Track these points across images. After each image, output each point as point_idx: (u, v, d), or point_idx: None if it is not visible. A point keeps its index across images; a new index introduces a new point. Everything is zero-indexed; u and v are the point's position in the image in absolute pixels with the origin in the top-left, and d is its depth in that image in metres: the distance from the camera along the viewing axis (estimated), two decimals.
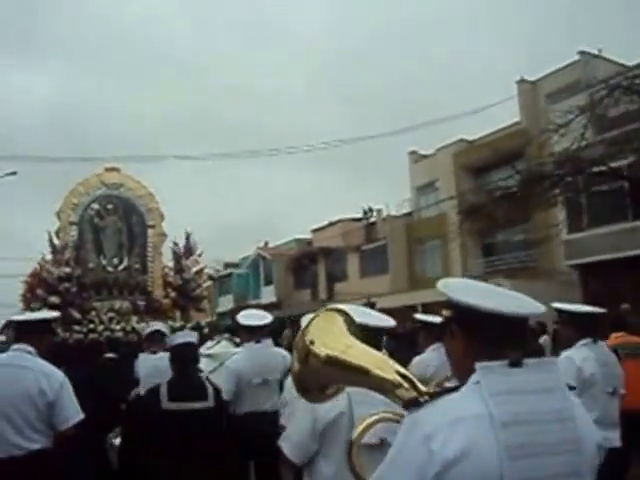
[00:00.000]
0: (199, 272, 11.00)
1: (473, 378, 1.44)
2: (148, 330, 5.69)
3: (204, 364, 5.10)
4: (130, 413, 4.69)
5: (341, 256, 33.33)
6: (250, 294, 39.97)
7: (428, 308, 20.59)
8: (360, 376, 1.71)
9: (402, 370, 1.72)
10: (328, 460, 2.45)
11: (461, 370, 1.54)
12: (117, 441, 5.35)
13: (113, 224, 10.79)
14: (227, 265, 42.64)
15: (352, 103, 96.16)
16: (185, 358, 3.89)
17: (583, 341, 3.80)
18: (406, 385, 1.66)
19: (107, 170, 10.94)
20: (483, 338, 1.49)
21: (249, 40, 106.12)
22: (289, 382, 3.69)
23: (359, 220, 34.17)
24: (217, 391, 3.97)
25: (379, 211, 33.21)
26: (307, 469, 2.55)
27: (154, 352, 5.07)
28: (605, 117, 9.94)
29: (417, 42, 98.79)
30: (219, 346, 5.83)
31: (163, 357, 4.81)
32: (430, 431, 1.36)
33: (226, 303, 40.16)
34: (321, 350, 1.73)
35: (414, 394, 1.62)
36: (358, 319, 2.10)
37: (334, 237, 33.39)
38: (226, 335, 6.55)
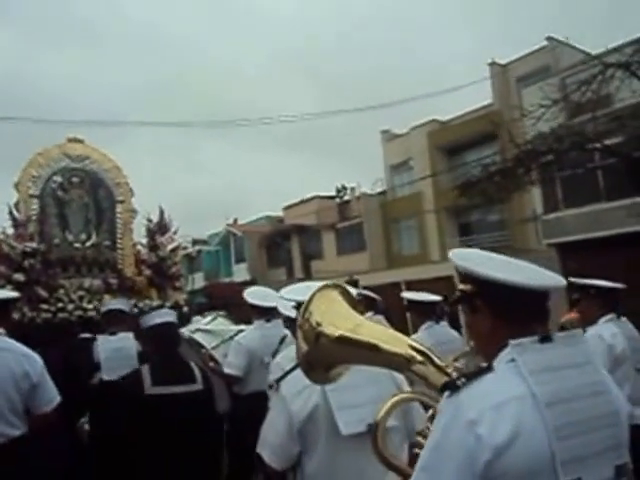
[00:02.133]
0: (175, 250, 10.52)
1: (505, 356, 1.38)
2: (105, 308, 5.27)
3: (204, 340, 4.99)
4: (101, 399, 4.45)
5: (315, 234, 33.35)
6: (222, 272, 39.68)
7: (411, 285, 20.88)
8: (372, 353, 1.66)
9: (416, 345, 1.67)
10: (310, 455, 2.27)
11: (486, 346, 1.50)
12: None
13: (79, 198, 10.22)
14: (195, 242, 42.01)
15: (326, 85, 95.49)
16: (166, 338, 3.58)
17: (607, 317, 3.69)
18: (421, 359, 1.63)
19: (70, 141, 10.30)
20: (510, 313, 1.43)
21: (217, 17, 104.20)
22: (275, 364, 3.61)
23: (332, 198, 34.11)
24: (205, 373, 3.72)
25: (352, 189, 33.12)
26: (290, 470, 2.34)
27: (113, 333, 4.75)
28: (601, 95, 9.85)
29: (391, 25, 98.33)
30: (216, 322, 5.54)
31: (125, 338, 4.73)
32: (475, 416, 1.29)
33: (197, 281, 39.69)
34: (331, 330, 1.68)
35: (432, 369, 1.62)
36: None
37: (306, 215, 33.32)
38: (221, 312, 6.22)
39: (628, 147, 9.99)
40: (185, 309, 10.20)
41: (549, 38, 22.45)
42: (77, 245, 9.93)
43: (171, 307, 9.77)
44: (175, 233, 10.73)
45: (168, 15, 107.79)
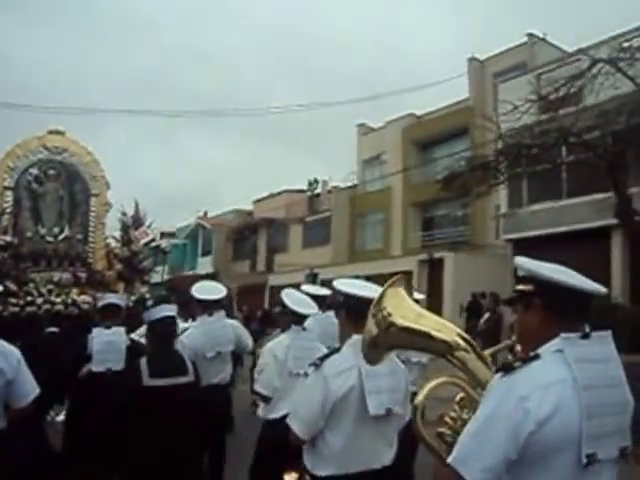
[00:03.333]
0: (148, 244, 10.53)
1: (552, 347, 1.65)
2: (102, 303, 5.44)
3: None
4: (87, 389, 4.63)
5: (283, 227, 33.25)
6: (186, 265, 39.37)
7: (371, 280, 20.87)
8: (426, 340, 1.97)
9: (464, 334, 1.96)
10: (336, 432, 2.56)
11: (532, 338, 1.74)
12: (60, 418, 5.40)
13: (54, 191, 10.15)
14: (163, 235, 41.55)
15: (303, 79, 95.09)
16: (166, 333, 3.81)
17: None
18: (466, 347, 1.91)
19: (50, 133, 10.22)
20: (561, 311, 1.70)
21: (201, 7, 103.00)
22: (267, 350, 3.93)
23: (302, 192, 34.07)
24: (195, 365, 3.93)
25: (324, 183, 33.20)
26: (310, 441, 2.62)
27: (108, 327, 4.91)
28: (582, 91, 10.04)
29: (371, 21, 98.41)
30: None
31: (117, 332, 4.89)
32: (525, 393, 1.55)
33: (161, 273, 39.25)
34: (400, 321, 2.01)
35: (473, 356, 1.90)
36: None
37: (276, 208, 33.22)
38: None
39: (610, 142, 10.26)
40: (150, 302, 10.29)
41: (529, 34, 22.75)
42: (49, 239, 9.92)
43: (136, 300, 9.89)
44: (149, 227, 10.77)
45: (155, 4, 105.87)
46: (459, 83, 36.25)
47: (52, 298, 9.34)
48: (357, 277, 22.07)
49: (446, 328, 1.98)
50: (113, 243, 10.59)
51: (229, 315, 5.84)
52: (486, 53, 24.96)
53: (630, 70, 9.58)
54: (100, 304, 5.39)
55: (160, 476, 3.47)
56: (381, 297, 2.09)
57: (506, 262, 17.67)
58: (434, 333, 1.94)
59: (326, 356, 2.66)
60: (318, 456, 2.59)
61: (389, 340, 2.06)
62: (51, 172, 9.97)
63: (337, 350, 2.67)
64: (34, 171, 9.89)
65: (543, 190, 17.18)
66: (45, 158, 10.00)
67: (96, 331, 4.92)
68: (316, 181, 33.39)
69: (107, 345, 4.75)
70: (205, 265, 37.40)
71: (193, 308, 5.49)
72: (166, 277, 36.00)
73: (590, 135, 10.50)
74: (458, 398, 2.02)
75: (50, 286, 9.58)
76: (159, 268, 40.41)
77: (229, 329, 5.19)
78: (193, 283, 5.35)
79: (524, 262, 1.80)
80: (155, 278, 37.56)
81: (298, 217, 32.25)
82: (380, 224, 28.82)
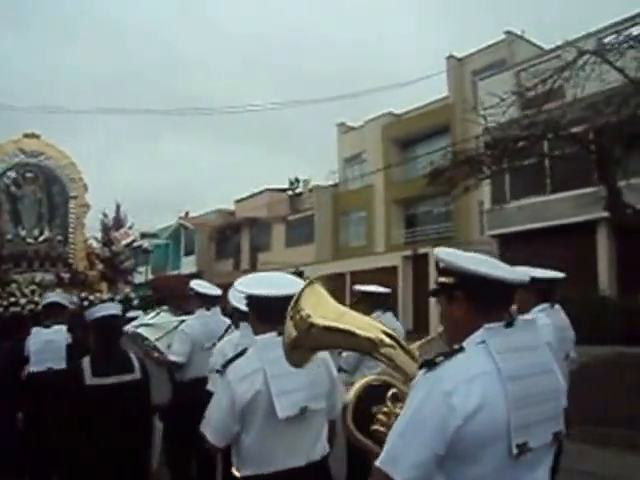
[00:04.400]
0: (129, 245, 10.73)
1: (476, 338, 1.61)
2: (45, 302, 5.44)
3: (147, 334, 5.18)
4: (30, 390, 4.63)
5: (266, 226, 33.16)
6: (169, 265, 39.20)
7: (355, 276, 21.37)
8: (350, 338, 1.89)
9: (387, 330, 1.90)
10: (250, 434, 2.51)
11: (458, 331, 1.69)
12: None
13: (32, 193, 10.27)
14: (144, 235, 41.52)
15: (284, 79, 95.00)
16: (109, 331, 3.75)
17: (540, 307, 3.77)
18: (392, 343, 1.86)
19: (26, 136, 10.34)
20: (484, 303, 1.66)
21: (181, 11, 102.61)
22: (217, 349, 3.89)
23: (284, 191, 34.05)
24: (142, 363, 3.90)
25: (305, 182, 33.36)
26: (232, 444, 2.60)
27: (47, 326, 4.91)
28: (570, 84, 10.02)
29: (350, 19, 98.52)
30: (160, 316, 5.72)
31: (58, 330, 4.87)
32: (450, 388, 1.51)
33: (144, 274, 39.26)
34: (321, 321, 1.91)
35: (400, 352, 1.85)
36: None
37: (258, 208, 33.10)
38: (165, 307, 6.34)
39: (598, 135, 10.16)
40: (135, 302, 10.46)
41: (507, 32, 22.88)
42: (30, 240, 10.17)
43: (121, 300, 10.03)
44: (130, 228, 10.95)
45: (132, 7, 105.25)
46: (437, 81, 36.61)
47: (36, 298, 9.50)
48: (341, 274, 22.41)
49: (370, 326, 1.93)
50: (94, 244, 10.75)
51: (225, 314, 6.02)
52: (464, 51, 25.17)
53: (618, 61, 9.47)
54: (43, 303, 5.41)
55: (104, 475, 3.44)
56: (298, 298, 2.00)
57: (492, 258, 18.20)
58: (358, 331, 1.88)
59: (230, 361, 2.58)
60: (238, 458, 2.57)
61: (311, 341, 1.98)
62: (29, 175, 10.10)
63: (243, 353, 2.59)
64: (12, 174, 10.01)
65: (526, 185, 17.23)
66: (22, 161, 10.09)
67: (34, 331, 4.90)
68: (297, 180, 33.53)
69: (45, 344, 4.73)
70: (189, 265, 37.20)
71: (189, 304, 5.46)
72: (150, 277, 36.13)
73: (579, 128, 10.40)
74: (390, 394, 1.99)
75: (33, 287, 9.73)
76: (142, 269, 40.57)
77: (225, 324, 5.18)
78: (177, 282, 5.45)
79: (443, 253, 1.75)
80: (139, 278, 37.76)
81: (280, 216, 32.18)
82: (363, 222, 28.92)
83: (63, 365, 4.59)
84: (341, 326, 1.91)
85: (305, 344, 2.00)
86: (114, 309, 3.88)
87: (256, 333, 2.66)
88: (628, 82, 9.51)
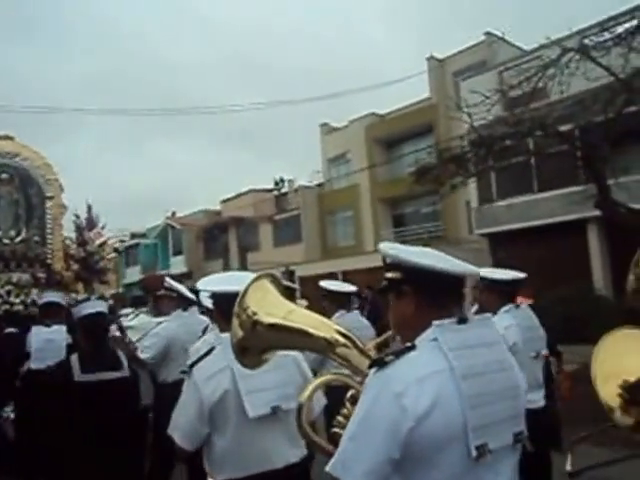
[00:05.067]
0: (103, 244, 10.78)
1: (428, 335, 1.53)
2: (42, 301, 5.45)
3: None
4: (28, 387, 4.63)
5: (253, 226, 33.00)
6: (159, 264, 38.98)
7: (347, 276, 21.47)
8: (302, 338, 1.82)
9: (342, 330, 1.82)
10: (222, 436, 2.42)
11: (408, 328, 1.62)
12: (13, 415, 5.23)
13: (8, 195, 10.24)
14: (133, 235, 41.50)
15: (268, 81, 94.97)
16: (96, 328, 3.75)
17: (505, 307, 3.73)
18: (346, 342, 1.79)
19: (0, 138, 10.40)
20: (433, 297, 1.59)
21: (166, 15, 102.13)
22: (192, 352, 3.67)
23: (269, 191, 34.03)
24: (130, 360, 3.92)
25: (290, 182, 33.38)
26: (204, 447, 2.52)
27: (48, 325, 4.92)
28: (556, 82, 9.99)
29: (332, 21, 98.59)
30: (138, 319, 5.81)
31: (58, 330, 4.89)
32: (401, 389, 1.43)
33: (133, 274, 39.25)
34: (267, 319, 1.84)
35: (355, 352, 1.78)
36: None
37: (244, 207, 32.99)
38: (144, 309, 6.54)
39: (585, 133, 10.10)
40: (110, 302, 10.47)
41: (487, 33, 22.88)
42: (6, 241, 10.11)
43: (81, 301, 10.00)
44: (103, 228, 11.00)
45: (118, 10, 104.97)
46: (419, 82, 36.70)
47: (11, 299, 9.52)
48: (333, 273, 22.44)
49: (323, 324, 1.85)
50: (70, 244, 10.78)
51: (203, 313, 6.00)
52: (445, 52, 25.25)
53: (602, 59, 9.39)
54: (40, 302, 5.44)
55: (94, 471, 3.39)
56: (243, 294, 1.90)
57: (483, 256, 17.86)
58: (310, 330, 1.80)
59: (196, 361, 2.50)
60: (211, 462, 2.47)
61: (258, 341, 1.89)
62: (4, 176, 10.05)
63: (209, 352, 2.51)
64: None
65: (513, 184, 17.09)
66: None
67: (35, 329, 4.92)
68: (282, 180, 33.58)
69: (46, 343, 4.75)
70: (178, 265, 37.09)
71: (165, 304, 5.40)
72: (139, 277, 36.10)
73: (566, 125, 10.33)
74: (348, 395, 1.88)
75: (9, 287, 9.74)
76: (130, 270, 40.56)
77: (204, 324, 5.12)
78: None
79: (389, 248, 1.67)
80: (129, 278, 37.71)
81: (267, 216, 32.07)
82: (350, 221, 28.91)
83: None
84: (291, 324, 1.81)
85: (253, 345, 1.89)
86: (100, 306, 3.88)
87: (222, 331, 2.56)
88: (614, 80, 9.39)
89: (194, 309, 5.10)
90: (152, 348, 4.72)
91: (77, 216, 10.73)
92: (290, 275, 24.43)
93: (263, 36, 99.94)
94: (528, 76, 10.18)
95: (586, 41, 10.65)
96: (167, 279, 5.28)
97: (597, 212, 13.84)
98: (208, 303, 3.67)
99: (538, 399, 3.76)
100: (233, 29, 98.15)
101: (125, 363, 3.77)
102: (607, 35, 10.20)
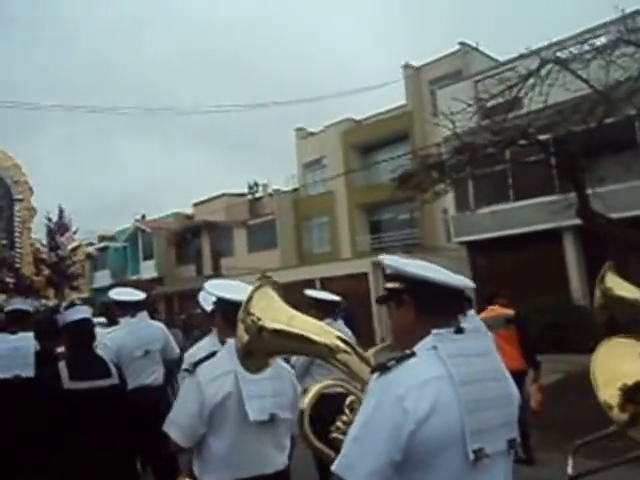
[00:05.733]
0: (75, 249, 10.52)
1: (427, 343, 1.61)
2: (9, 308, 5.30)
3: None
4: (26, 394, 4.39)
5: (226, 230, 32.51)
6: (129, 269, 38.20)
7: (325, 283, 21.27)
8: (304, 343, 1.88)
9: (342, 336, 1.90)
10: (219, 438, 2.47)
11: (406, 337, 1.70)
12: None
13: None
14: (102, 238, 40.63)
15: (245, 83, 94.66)
16: (83, 335, 3.70)
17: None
18: (347, 349, 1.86)
19: None
20: (432, 308, 1.66)
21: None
22: (188, 356, 3.77)
23: (242, 195, 33.64)
24: (119, 368, 3.86)
25: (264, 186, 33.05)
26: (196, 448, 2.54)
27: (13, 332, 4.76)
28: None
29: (311, 25, 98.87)
30: None
31: (24, 337, 4.74)
32: (403, 392, 1.50)
33: (102, 278, 38.41)
34: (271, 324, 1.89)
35: (355, 358, 1.85)
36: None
37: (217, 211, 32.56)
38: (100, 319, 6.47)
39: (565, 142, 10.14)
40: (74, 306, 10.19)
41: (462, 43, 23.19)
42: None
43: (66, 307, 9.79)
44: (75, 233, 10.78)
45: (89, 5, 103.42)
46: (394, 89, 36.91)
47: None
48: (310, 280, 22.31)
49: (324, 331, 1.92)
50: (40, 248, 10.52)
51: (153, 318, 5.81)
52: (421, 60, 25.43)
53: (581, 71, 9.54)
54: (7, 309, 5.27)
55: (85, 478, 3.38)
56: (248, 301, 1.97)
57: (462, 264, 17.97)
58: (313, 336, 1.86)
59: (200, 361, 2.56)
60: (204, 463, 2.50)
61: (263, 346, 1.95)
62: None
63: (213, 354, 2.59)
64: None
65: (490, 193, 17.22)
66: None
67: (0, 337, 4.73)
68: (256, 184, 33.19)
69: (13, 351, 4.59)
70: (149, 269, 36.27)
71: (114, 312, 5.45)
72: (108, 282, 35.27)
73: (546, 135, 10.43)
74: (348, 401, 1.98)
75: None
76: (99, 274, 39.71)
77: (155, 328, 5.24)
78: (137, 288, 5.41)
79: (390, 260, 1.76)
80: (98, 283, 36.89)
81: (240, 220, 31.66)
82: (326, 227, 28.74)
83: (31, 373, 4.43)
84: (294, 330, 1.89)
85: (258, 349, 1.96)
86: (86, 312, 3.83)
87: (222, 337, 2.65)
88: (593, 91, 9.54)
89: (143, 314, 5.10)
90: None
91: (49, 219, 10.48)
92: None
93: (240, 38, 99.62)
94: (510, 85, 10.24)
95: (563, 53, 10.80)
96: (110, 293, 5.23)
97: (573, 221, 14.09)
98: (206, 306, 3.69)
99: None
100: (209, 28, 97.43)
101: (114, 370, 3.72)
102: (586, 47, 10.34)
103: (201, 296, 3.93)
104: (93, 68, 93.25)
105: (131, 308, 5.03)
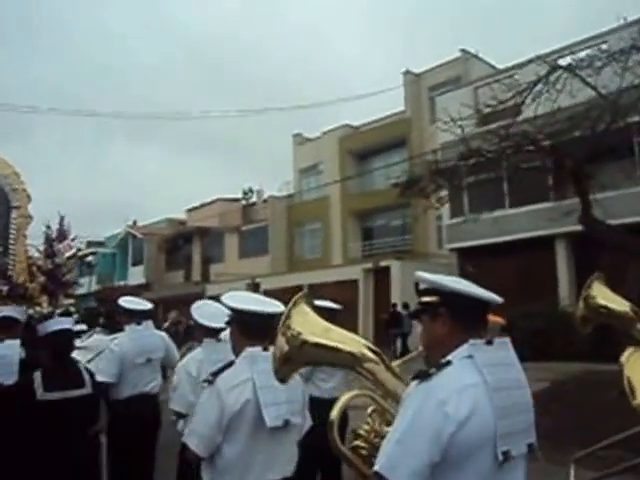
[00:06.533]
0: (72, 257, 10.30)
1: (461, 353, 1.72)
2: None
3: (79, 357, 4.89)
4: None
5: (218, 236, 32.30)
6: (116, 275, 37.77)
7: (314, 289, 21.08)
8: (336, 354, 1.98)
9: (372, 346, 1.99)
10: (233, 445, 2.51)
11: (440, 347, 1.79)
12: None
13: None
14: (90, 244, 40.28)
15: (241, 90, 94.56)
16: (62, 346, 3.74)
17: None
18: (374, 358, 1.95)
19: None
20: (466, 320, 1.78)
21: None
22: (180, 366, 3.89)
23: (236, 201, 33.53)
24: (93, 377, 3.88)
25: (259, 192, 32.97)
26: (208, 457, 2.57)
27: (1, 340, 4.71)
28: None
29: (311, 31, 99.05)
30: (93, 338, 5.77)
31: (10, 345, 4.69)
32: (444, 397, 1.61)
33: (88, 284, 38.02)
34: (312, 338, 2.00)
35: (382, 367, 1.94)
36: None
37: (210, 217, 32.30)
38: (98, 329, 6.52)
39: (570, 148, 10.13)
40: (76, 316, 10.02)
41: (462, 50, 23.22)
42: None
43: (61, 314, 9.61)
44: (74, 240, 10.61)
45: (81, 11, 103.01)
46: (391, 96, 36.96)
47: None
48: (299, 286, 22.10)
49: (353, 341, 2.02)
50: (36, 254, 10.32)
51: (158, 328, 5.88)
52: (420, 67, 25.47)
53: (592, 78, 9.60)
54: None
55: None
56: (288, 316, 2.09)
57: (452, 271, 17.89)
58: (341, 346, 1.97)
59: (219, 371, 2.61)
60: (215, 469, 2.54)
61: (303, 356, 2.07)
62: None
63: (230, 364, 2.63)
64: None
65: (486, 200, 17.07)
66: None
67: None
68: (250, 190, 33.18)
69: None
70: (136, 275, 35.86)
71: (120, 319, 5.45)
72: (95, 288, 34.96)
73: (554, 140, 10.35)
74: (370, 410, 2.09)
75: None
76: (85, 279, 39.32)
77: (158, 337, 5.26)
78: (123, 294, 5.47)
79: (427, 276, 1.87)
80: (83, 289, 36.57)
81: (233, 226, 31.42)
82: (318, 233, 28.55)
83: (14, 380, 4.34)
84: (330, 343, 1.99)
85: (296, 359, 2.06)
86: (67, 323, 3.88)
87: (237, 348, 2.69)
88: (598, 97, 9.59)
89: (149, 323, 5.15)
90: (109, 370, 4.71)
91: (48, 227, 10.26)
92: (255, 288, 23.98)
93: (235, 44, 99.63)
94: (518, 90, 10.19)
95: (569, 59, 10.76)
96: (120, 301, 5.22)
97: (566, 228, 14.49)
98: (203, 319, 3.93)
99: None
100: (203, 34, 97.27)
101: (87, 379, 3.76)
102: (597, 53, 10.31)
103: (196, 310, 4.02)
104: (89, 74, 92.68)
105: (138, 316, 5.05)
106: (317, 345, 2.00)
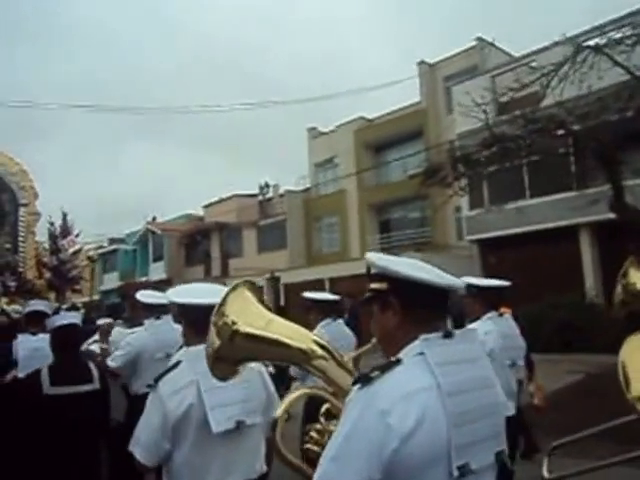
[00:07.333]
0: (76, 253, 10.27)
1: (414, 349, 1.46)
2: (28, 310, 5.42)
3: (100, 351, 5.12)
4: (5, 398, 4.36)
5: (236, 231, 32.09)
6: (137, 271, 37.86)
7: (334, 283, 20.87)
8: (279, 349, 1.75)
9: (320, 341, 1.77)
10: (183, 450, 2.38)
11: (392, 340, 1.55)
12: None
13: None
14: (112, 241, 40.58)
15: (254, 85, 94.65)
16: (68, 340, 3.71)
17: (489, 314, 3.87)
18: (324, 354, 1.73)
19: None
20: (419, 310, 1.52)
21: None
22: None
23: (254, 196, 33.30)
24: (102, 373, 3.85)
25: (275, 187, 32.70)
26: (163, 464, 2.46)
27: (34, 333, 4.86)
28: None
29: (324, 23, 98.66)
30: (113, 332, 5.60)
31: (44, 339, 4.65)
32: (386, 406, 1.36)
33: (111, 280, 38.25)
34: (246, 329, 1.75)
35: (333, 363, 1.73)
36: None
37: (227, 213, 32.16)
38: (119, 321, 6.46)
39: (599, 132, 9.58)
40: (82, 311, 10.03)
41: (478, 39, 22.58)
42: None
43: (67, 309, 9.60)
44: (77, 236, 10.63)
45: (96, 12, 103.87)
46: (406, 87, 36.39)
47: None
48: (319, 280, 21.86)
49: (300, 335, 1.77)
50: (43, 251, 10.34)
51: (179, 322, 5.62)
52: (435, 57, 24.87)
53: (621, 58, 9.14)
54: (26, 310, 5.36)
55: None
56: (223, 303, 1.81)
57: (473, 262, 17.73)
58: (287, 341, 1.73)
59: (162, 375, 2.45)
60: (170, 474, 2.41)
61: (235, 351, 1.80)
62: None
63: (176, 365, 2.46)
64: None
65: (506, 190, 16.76)
66: None
67: (22, 337, 4.85)
68: (267, 185, 32.90)
69: (34, 352, 4.62)
70: (157, 271, 35.89)
71: (140, 313, 5.34)
72: (117, 284, 35.20)
73: (583, 124, 9.83)
74: (323, 409, 1.84)
75: None
76: (108, 275, 39.65)
77: (177, 332, 5.05)
78: (145, 289, 5.30)
79: (376, 258, 1.60)
80: (106, 285, 36.88)
81: (251, 221, 31.22)
82: (336, 227, 28.18)
83: None
84: (269, 335, 1.76)
85: (229, 355, 1.82)
86: (74, 318, 3.87)
87: (188, 345, 2.55)
88: (631, 78, 9.09)
89: (168, 317, 4.90)
90: (121, 357, 4.69)
91: (51, 223, 10.30)
92: (275, 282, 23.80)
93: (249, 42, 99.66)
94: (543, 73, 9.69)
95: (599, 39, 10.25)
96: (137, 295, 5.12)
97: (590, 218, 14.08)
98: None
99: (509, 407, 3.74)
100: (219, 32, 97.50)
101: (96, 375, 3.72)
102: (628, 32, 9.77)
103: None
104: (108, 71, 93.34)
105: (157, 311, 4.90)
106: (252, 337, 1.74)
